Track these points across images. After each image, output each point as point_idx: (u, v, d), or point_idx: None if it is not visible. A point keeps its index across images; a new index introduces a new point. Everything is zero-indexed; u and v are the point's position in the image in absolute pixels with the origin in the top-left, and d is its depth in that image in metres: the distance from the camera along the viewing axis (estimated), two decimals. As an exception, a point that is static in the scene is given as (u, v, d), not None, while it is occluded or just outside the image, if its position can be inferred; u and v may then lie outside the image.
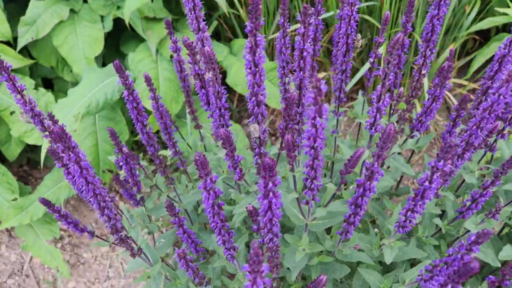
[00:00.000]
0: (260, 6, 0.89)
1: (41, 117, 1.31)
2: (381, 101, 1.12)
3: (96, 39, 2.26)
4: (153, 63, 2.18)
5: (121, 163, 1.63)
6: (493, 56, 2.29)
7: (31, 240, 2.40)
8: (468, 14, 2.32)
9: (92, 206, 1.22)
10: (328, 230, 1.48)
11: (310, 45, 1.15)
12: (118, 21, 2.43)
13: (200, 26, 1.25)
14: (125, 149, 1.52)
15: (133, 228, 1.79)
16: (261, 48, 0.99)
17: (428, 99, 1.22)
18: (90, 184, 1.12)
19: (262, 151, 1.26)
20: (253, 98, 1.10)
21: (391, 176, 1.53)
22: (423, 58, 1.25)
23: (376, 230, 1.70)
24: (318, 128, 0.92)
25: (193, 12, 1.22)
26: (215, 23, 2.51)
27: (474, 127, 1.11)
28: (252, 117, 1.16)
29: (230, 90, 2.86)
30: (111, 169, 2.33)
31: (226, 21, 2.75)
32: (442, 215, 1.58)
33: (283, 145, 1.38)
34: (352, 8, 1.24)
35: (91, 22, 2.29)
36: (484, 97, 1.24)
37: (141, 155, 1.74)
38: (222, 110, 1.26)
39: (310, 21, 1.07)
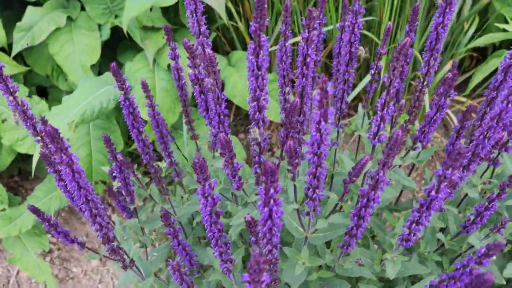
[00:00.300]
0: (265, 5, 0.87)
1: (34, 120, 1.27)
2: (386, 109, 1.09)
3: (93, 47, 2.23)
4: (150, 73, 2.15)
5: (114, 173, 1.59)
6: (492, 73, 2.31)
7: (19, 253, 2.32)
8: (466, 31, 2.33)
9: (84, 214, 1.18)
10: (328, 245, 1.44)
11: (314, 51, 1.13)
12: (115, 31, 2.41)
13: (201, 29, 1.22)
14: (119, 157, 1.48)
15: (126, 240, 1.73)
16: (264, 50, 0.97)
17: (432, 109, 1.20)
18: (82, 189, 1.08)
19: (262, 159, 1.22)
20: (255, 103, 1.07)
21: (392, 189, 1.49)
22: (426, 67, 1.22)
23: (375, 246, 1.66)
24: (322, 133, 0.89)
25: (194, 15, 1.19)
26: (213, 35, 2.49)
27: (481, 137, 1.08)
28: (253, 123, 1.13)
29: (227, 103, 2.84)
30: (104, 180, 2.28)
31: (225, 34, 2.74)
32: (443, 231, 1.55)
33: (283, 154, 1.34)
34: (356, 15, 1.22)
35: (89, 30, 2.26)
36: (488, 108, 1.21)
37: (135, 167, 1.70)
38: (222, 117, 1.22)
39: (315, 25, 1.05)
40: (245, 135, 2.95)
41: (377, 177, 0.96)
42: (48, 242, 2.38)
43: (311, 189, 1.04)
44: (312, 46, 1.12)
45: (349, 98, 2.30)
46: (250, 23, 0.94)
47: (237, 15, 2.47)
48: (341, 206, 1.59)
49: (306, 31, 1.07)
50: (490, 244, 0.84)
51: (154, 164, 1.66)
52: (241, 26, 2.47)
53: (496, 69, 2.24)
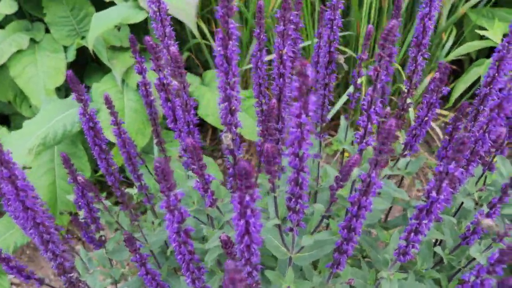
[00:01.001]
0: (232, -16, 0.76)
1: (-22, 138, 1.12)
2: (373, 107, 0.98)
3: (58, 69, 2.10)
4: (118, 94, 2.02)
5: (79, 202, 1.44)
6: (471, 86, 2.26)
7: (-24, 297, 2.11)
8: (445, 44, 2.28)
9: (34, 239, 1.02)
10: (315, 266, 1.30)
11: (291, 48, 1.02)
12: (83, 53, 2.30)
13: (166, 31, 1.11)
14: (80, 178, 1.33)
15: (91, 274, 1.56)
16: (234, 40, 0.85)
17: (423, 108, 1.10)
18: (30, 210, 0.92)
19: (237, 171, 1.09)
20: (226, 104, 0.95)
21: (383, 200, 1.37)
22: (414, 65, 1.13)
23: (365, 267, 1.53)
24: (303, 128, 0.77)
25: (158, 14, 1.08)
26: (186, 54, 2.39)
27: (481, 131, 0.98)
28: (225, 128, 1.00)
29: (202, 125, 2.72)
30: (71, 211, 2.10)
31: (198, 56, 2.65)
32: (438, 245, 1.43)
33: (261, 166, 1.22)
34: (335, 11, 1.13)
35: (53, 52, 2.14)
36: (482, 106, 1.12)
37: (103, 195, 1.56)
38: (191, 126, 1.09)
39: (291, 17, 0.95)
40: (223, 161, 2.83)
41: (368, 179, 0.84)
42: (8, 284, 2.16)
43: (293, 199, 0.91)
44: (289, 42, 1.02)
45: (328, 116, 2.22)
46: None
47: (210, 35, 2.38)
48: (328, 225, 1.46)
49: (282, 23, 0.97)
50: (504, 249, 0.72)
51: (121, 188, 1.52)
52: (214, 45, 2.38)
53: (477, 79, 2.19)
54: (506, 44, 1.04)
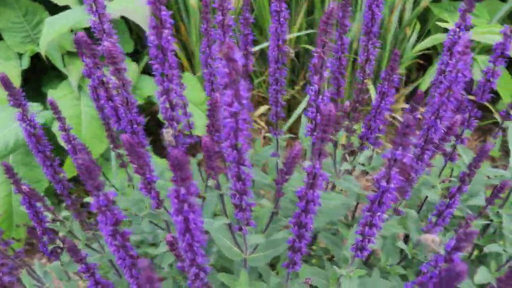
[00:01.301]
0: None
1: None
2: (321, 97, 0.94)
3: (11, 77, 1.99)
4: (75, 100, 1.94)
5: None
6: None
7: None
8: (410, 37, 2.27)
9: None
10: (274, 267, 1.25)
11: (233, 38, 0.97)
12: (41, 60, 2.21)
13: (105, 27, 1.05)
14: (25, 188, 1.26)
15: (46, 289, 1.47)
16: (168, 28, 0.80)
17: (376, 99, 1.06)
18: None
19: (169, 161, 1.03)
20: (164, 97, 0.89)
21: (345, 203, 1.33)
22: (366, 54, 1.09)
23: (334, 267, 1.49)
24: (238, 117, 0.72)
25: (94, 9, 1.02)
26: (146, 58, 2.33)
27: (433, 117, 0.94)
28: (166, 123, 0.95)
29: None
30: (28, 224, 2.01)
31: (162, 59, 2.58)
32: (407, 242, 1.39)
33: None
34: (280, 3, 1.08)
35: (6, 59, 2.06)
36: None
37: (63, 206, 1.50)
38: (135, 126, 1.03)
39: (228, 7, 0.90)
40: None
41: (313, 170, 0.79)
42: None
43: (237, 196, 0.86)
44: (230, 33, 0.97)
45: (295, 115, 2.18)
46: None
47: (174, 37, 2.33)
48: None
49: (220, 13, 0.92)
50: (459, 236, 0.67)
51: (69, 193, 1.45)
52: (177, 50, 2.33)
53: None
54: (457, 29, 1.01)
